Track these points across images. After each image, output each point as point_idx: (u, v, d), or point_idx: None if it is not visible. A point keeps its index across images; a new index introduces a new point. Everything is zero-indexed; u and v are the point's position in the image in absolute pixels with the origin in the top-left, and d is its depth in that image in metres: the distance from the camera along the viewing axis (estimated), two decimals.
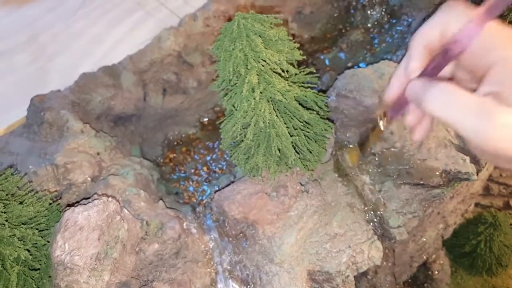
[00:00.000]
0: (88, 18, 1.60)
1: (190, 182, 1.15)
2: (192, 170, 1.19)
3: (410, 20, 1.27)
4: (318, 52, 1.33)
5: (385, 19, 1.35)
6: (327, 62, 1.30)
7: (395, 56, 1.16)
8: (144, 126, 1.25)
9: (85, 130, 1.05)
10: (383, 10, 1.36)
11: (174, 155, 1.24)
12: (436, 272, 1.52)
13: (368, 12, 1.37)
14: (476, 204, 1.71)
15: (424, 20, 1.18)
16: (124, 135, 1.19)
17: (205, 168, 1.18)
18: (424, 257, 1.45)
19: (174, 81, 1.25)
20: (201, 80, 1.27)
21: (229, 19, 1.33)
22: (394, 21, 1.32)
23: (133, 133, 1.23)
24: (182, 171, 1.19)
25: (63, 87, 1.20)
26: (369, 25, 1.36)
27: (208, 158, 1.21)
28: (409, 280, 1.57)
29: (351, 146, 0.98)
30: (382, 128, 0.52)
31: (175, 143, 1.27)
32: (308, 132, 0.87)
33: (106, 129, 1.16)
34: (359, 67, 1.05)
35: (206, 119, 1.30)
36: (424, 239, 1.33)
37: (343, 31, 1.37)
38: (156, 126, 1.27)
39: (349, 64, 1.26)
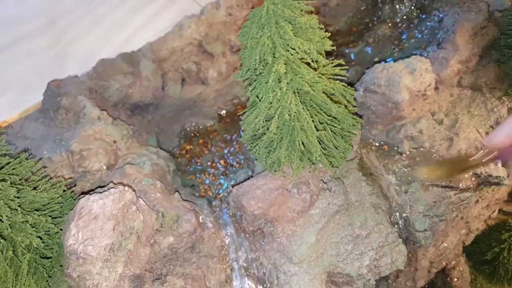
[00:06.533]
0: (109, 4, 1.57)
1: (207, 175, 1.12)
2: (209, 163, 1.15)
3: (441, 15, 1.21)
4: (343, 45, 1.28)
5: (415, 14, 1.29)
6: (352, 56, 1.25)
7: (425, 53, 1.11)
8: (161, 116, 1.22)
9: (102, 117, 1.02)
10: (413, 4, 1.30)
11: (191, 146, 1.20)
12: (456, 279, 1.46)
13: (397, 6, 1.32)
14: (499, 211, 1.64)
15: (457, 14, 1.12)
16: (141, 125, 1.16)
17: (222, 161, 1.15)
18: (444, 263, 1.40)
19: (193, 71, 1.22)
20: (221, 71, 1.24)
21: (253, 8, 1.29)
22: (424, 16, 1.27)
23: (150, 123, 1.19)
24: (199, 164, 1.16)
25: (81, 72, 1.17)
26: (397, 19, 1.30)
27: (226, 151, 1.17)
28: (426, 286, 1.52)
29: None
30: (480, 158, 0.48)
31: (192, 134, 1.23)
32: (335, 127, 0.83)
33: (123, 117, 1.13)
34: (386, 62, 1.00)
35: (224, 112, 1.26)
36: (446, 244, 1.27)
37: (370, 25, 1.32)
38: (173, 116, 1.23)
39: (376, 59, 1.21)
